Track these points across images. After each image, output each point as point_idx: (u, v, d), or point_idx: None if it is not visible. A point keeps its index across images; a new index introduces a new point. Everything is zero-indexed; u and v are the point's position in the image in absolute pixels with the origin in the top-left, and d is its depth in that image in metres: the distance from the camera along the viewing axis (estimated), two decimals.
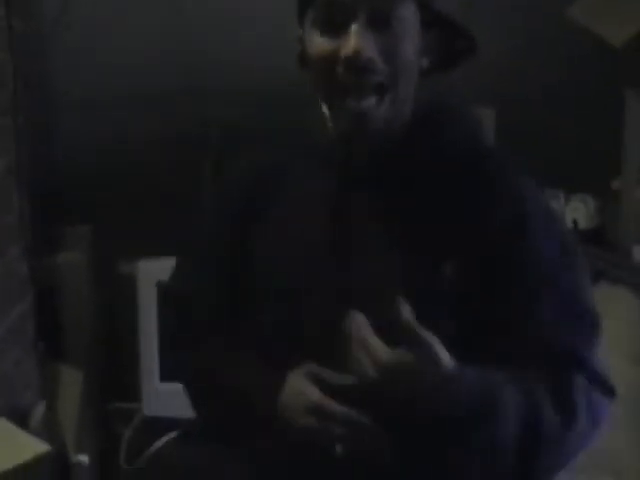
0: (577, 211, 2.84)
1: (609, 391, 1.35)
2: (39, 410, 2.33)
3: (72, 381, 2.63)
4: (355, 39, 1.23)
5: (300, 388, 1.25)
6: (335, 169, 1.38)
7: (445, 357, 1.14)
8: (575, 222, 2.81)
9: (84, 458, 2.23)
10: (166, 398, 2.60)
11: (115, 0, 2.76)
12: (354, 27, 1.24)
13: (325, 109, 1.34)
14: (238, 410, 1.37)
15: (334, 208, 1.37)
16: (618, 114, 2.70)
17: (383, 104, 1.28)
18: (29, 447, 1.94)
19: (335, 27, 1.26)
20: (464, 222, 1.32)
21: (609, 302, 2.61)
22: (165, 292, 1.58)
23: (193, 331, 1.51)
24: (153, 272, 2.64)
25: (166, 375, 2.58)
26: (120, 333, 2.80)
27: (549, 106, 2.86)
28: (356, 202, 1.36)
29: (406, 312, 1.11)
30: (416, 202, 1.34)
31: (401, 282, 1.29)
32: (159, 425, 2.61)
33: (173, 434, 2.56)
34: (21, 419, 2.26)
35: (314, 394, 1.23)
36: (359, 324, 1.12)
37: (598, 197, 2.84)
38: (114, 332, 2.83)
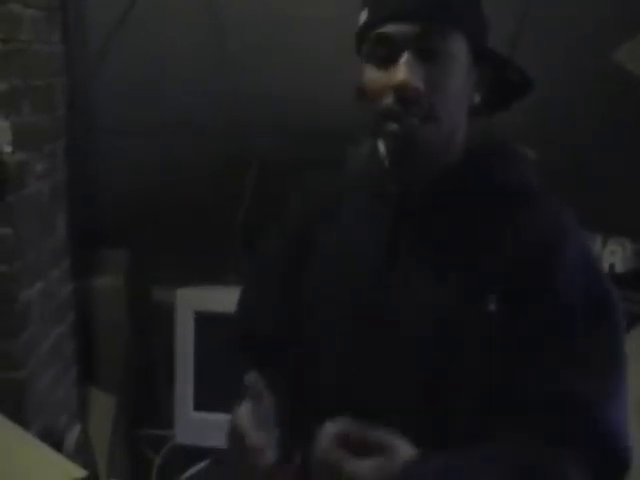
0: (614, 254, 2.83)
1: (619, 459, 1.26)
2: (74, 433, 2.33)
3: (104, 406, 2.64)
4: (403, 70, 1.27)
5: (323, 444, 1.20)
6: (386, 199, 1.40)
7: (405, 452, 1.13)
8: (612, 266, 2.80)
9: None
10: (199, 427, 2.60)
11: (159, 38, 2.79)
12: (403, 59, 1.28)
13: (375, 138, 1.37)
14: None
15: (384, 239, 1.38)
16: None
17: (427, 127, 1.30)
18: (66, 471, 1.94)
19: (386, 60, 1.30)
20: (508, 255, 1.31)
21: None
22: (232, 322, 1.57)
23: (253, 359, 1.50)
24: (191, 300, 2.66)
25: (200, 404, 2.60)
26: (155, 360, 2.80)
27: (587, 149, 2.87)
28: (406, 233, 1.38)
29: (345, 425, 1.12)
30: (463, 234, 1.35)
31: (445, 313, 1.29)
32: (191, 453, 2.60)
33: (204, 463, 2.56)
34: (56, 441, 2.26)
35: (331, 453, 1.17)
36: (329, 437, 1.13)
37: (636, 240, 2.83)
38: (149, 358, 2.83)
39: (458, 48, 1.31)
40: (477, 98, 1.36)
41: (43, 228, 2.39)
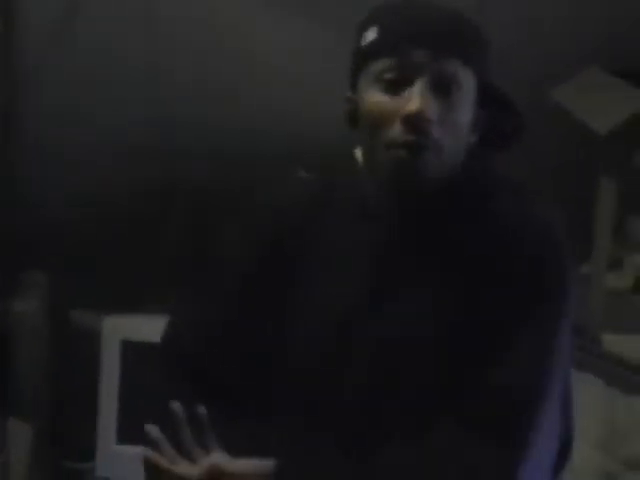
0: None
1: None
2: None
3: (21, 436, 2.55)
4: (420, 98, 1.24)
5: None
6: (374, 221, 1.34)
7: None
8: None
9: None
10: (122, 461, 2.51)
11: (93, 57, 2.72)
12: (419, 86, 1.25)
13: (371, 163, 1.32)
14: None
15: (373, 262, 1.33)
16: (590, 201, 2.72)
17: (429, 158, 1.26)
18: None
19: (397, 86, 1.27)
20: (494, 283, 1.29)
21: (575, 388, 2.60)
22: (164, 346, 1.45)
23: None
24: (118, 329, 2.58)
25: (123, 437, 2.53)
26: (78, 389, 2.71)
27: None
28: (395, 256, 1.33)
29: None
30: (451, 260, 1.32)
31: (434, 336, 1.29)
32: None
33: None
34: None
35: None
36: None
37: None
38: (71, 387, 2.73)
39: (469, 81, 1.29)
40: (473, 138, 1.33)
41: None
